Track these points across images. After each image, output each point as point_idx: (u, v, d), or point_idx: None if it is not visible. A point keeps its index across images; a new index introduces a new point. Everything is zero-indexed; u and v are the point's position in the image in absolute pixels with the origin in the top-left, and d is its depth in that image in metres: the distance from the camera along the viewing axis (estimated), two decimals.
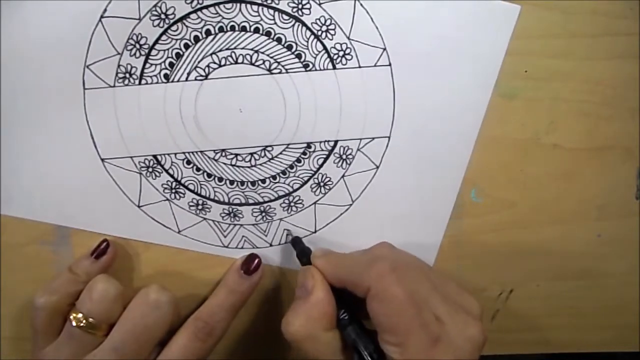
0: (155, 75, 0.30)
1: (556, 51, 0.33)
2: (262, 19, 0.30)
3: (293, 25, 0.30)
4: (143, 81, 0.30)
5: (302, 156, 0.33)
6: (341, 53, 0.31)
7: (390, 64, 0.31)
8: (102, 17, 0.29)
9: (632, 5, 0.32)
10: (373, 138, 0.33)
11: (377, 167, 0.33)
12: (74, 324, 0.29)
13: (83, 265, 0.31)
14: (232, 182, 0.33)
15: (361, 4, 0.30)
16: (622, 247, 0.37)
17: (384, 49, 0.31)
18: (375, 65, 0.31)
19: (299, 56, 0.31)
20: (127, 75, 0.30)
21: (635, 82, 0.34)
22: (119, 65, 0.30)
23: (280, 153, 0.33)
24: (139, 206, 0.33)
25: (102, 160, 0.32)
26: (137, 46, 0.30)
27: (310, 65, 0.31)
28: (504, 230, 0.36)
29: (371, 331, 0.28)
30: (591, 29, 0.32)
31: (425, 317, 0.26)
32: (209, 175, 0.33)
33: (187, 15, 0.30)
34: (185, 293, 0.34)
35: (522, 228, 0.36)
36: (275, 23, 0.30)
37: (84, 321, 0.29)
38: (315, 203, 0.34)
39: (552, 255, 0.37)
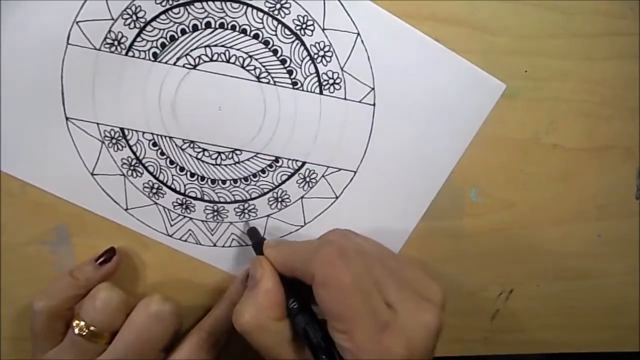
0: (144, 51, 0.30)
1: (556, 51, 0.33)
2: (264, 27, 0.30)
3: (293, 41, 0.31)
4: (130, 53, 0.30)
5: (268, 168, 0.33)
6: (331, 81, 0.32)
7: (374, 104, 0.32)
8: None
9: (632, 5, 0.32)
10: (340, 169, 0.33)
11: (337, 198, 0.34)
12: (76, 331, 0.29)
13: (85, 270, 0.31)
14: (192, 175, 0.33)
15: (362, 41, 0.31)
16: (622, 247, 0.37)
17: (372, 89, 0.32)
18: (360, 102, 0.32)
19: (290, 72, 0.31)
20: (116, 42, 0.30)
21: (635, 82, 0.34)
22: (109, 31, 0.29)
23: (248, 160, 0.33)
24: (92, 174, 0.32)
25: (67, 118, 0.31)
26: (134, 17, 0.29)
27: (299, 84, 0.31)
28: (504, 230, 0.36)
29: (323, 320, 0.27)
30: (591, 29, 0.32)
31: (373, 302, 0.25)
32: (172, 163, 0.32)
33: (192, 2, 0.29)
34: (187, 295, 0.34)
35: (522, 228, 0.36)
36: (276, 35, 0.30)
37: (86, 330, 0.29)
38: (268, 216, 0.34)
39: (552, 255, 0.37)
